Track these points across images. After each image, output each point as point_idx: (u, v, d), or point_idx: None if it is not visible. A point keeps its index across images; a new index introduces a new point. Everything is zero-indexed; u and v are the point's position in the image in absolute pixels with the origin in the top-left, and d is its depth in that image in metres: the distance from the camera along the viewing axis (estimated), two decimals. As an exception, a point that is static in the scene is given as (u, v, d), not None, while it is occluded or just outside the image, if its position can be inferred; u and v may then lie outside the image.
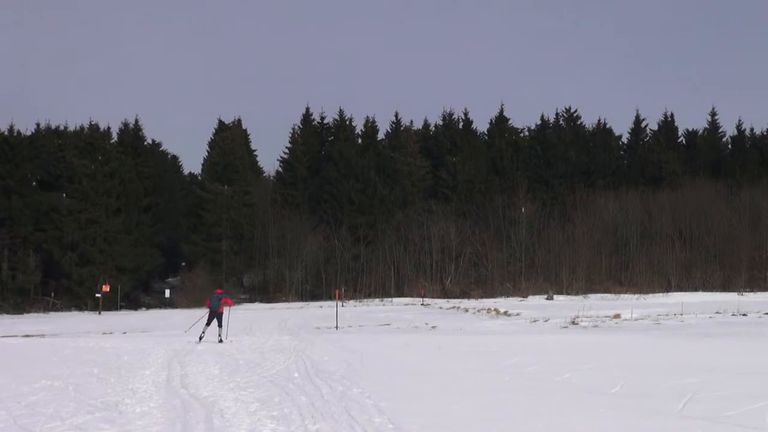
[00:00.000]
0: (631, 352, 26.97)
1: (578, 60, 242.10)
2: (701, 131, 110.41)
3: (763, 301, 63.57)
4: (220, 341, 34.35)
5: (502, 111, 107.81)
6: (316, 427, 14.19)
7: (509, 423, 14.44)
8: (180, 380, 21.04)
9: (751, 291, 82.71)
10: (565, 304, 69.02)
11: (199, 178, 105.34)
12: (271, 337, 37.30)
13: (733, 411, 15.24)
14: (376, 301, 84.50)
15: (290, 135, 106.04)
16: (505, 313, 57.55)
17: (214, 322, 35.81)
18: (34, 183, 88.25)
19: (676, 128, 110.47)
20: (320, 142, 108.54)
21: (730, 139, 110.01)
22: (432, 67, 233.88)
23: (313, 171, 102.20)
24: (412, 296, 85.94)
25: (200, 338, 34.98)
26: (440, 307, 69.45)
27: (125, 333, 44.42)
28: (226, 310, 36.51)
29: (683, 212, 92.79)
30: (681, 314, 49.70)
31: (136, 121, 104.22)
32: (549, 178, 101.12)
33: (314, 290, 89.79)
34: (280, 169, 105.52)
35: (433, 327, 44.80)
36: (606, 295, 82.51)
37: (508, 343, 31.63)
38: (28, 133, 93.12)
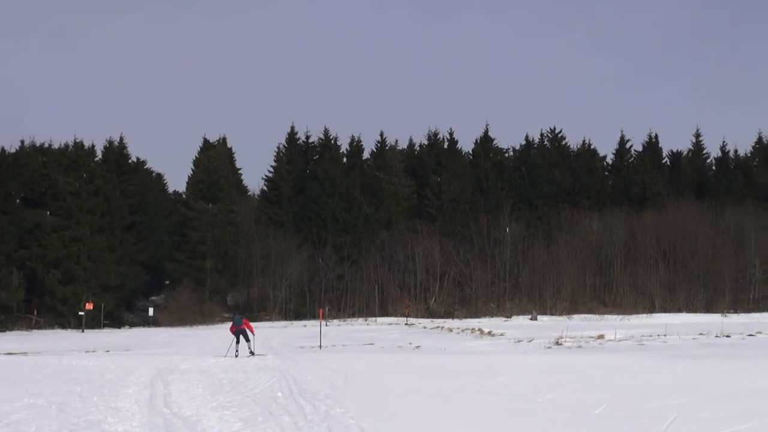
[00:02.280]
0: (614, 373, 26.99)
1: (563, 80, 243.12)
2: (685, 152, 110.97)
3: (746, 323, 63.75)
4: (252, 354, 37.33)
5: (487, 131, 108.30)
6: (299, 447, 14.16)
7: (493, 443, 14.43)
8: (163, 399, 20.96)
9: (735, 312, 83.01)
10: (548, 324, 69.10)
11: (184, 196, 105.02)
12: (255, 356, 37.22)
13: (716, 432, 15.26)
14: (360, 320, 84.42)
15: (275, 154, 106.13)
16: (489, 333, 57.55)
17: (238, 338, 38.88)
18: (17, 200, 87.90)
19: (661, 149, 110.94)
20: (305, 161, 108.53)
21: (714, 161, 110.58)
22: (417, 87, 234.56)
23: (297, 190, 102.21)
24: (396, 316, 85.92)
25: (236, 355, 37.48)
26: (424, 327, 69.43)
27: (108, 351, 44.24)
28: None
29: (667, 233, 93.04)
30: (664, 335, 49.79)
31: (121, 139, 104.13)
32: (533, 198, 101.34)
33: (298, 309, 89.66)
34: (264, 188, 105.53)
35: (417, 347, 44.75)
36: (590, 315, 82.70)
37: (492, 363, 31.62)
38: (13, 150, 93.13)
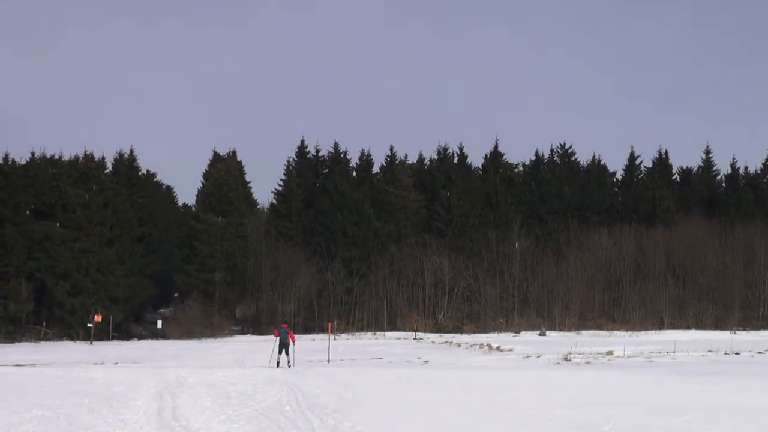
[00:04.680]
0: (623, 390, 26.95)
1: (573, 96, 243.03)
2: (695, 169, 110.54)
3: (755, 340, 63.57)
4: (289, 366, 39.91)
5: (497, 146, 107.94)
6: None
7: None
8: (171, 412, 20.97)
9: (744, 330, 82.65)
10: (557, 340, 69.02)
11: (193, 209, 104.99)
12: (263, 369, 37.23)
13: (725, 450, 15.23)
14: (369, 334, 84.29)
15: (285, 167, 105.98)
16: (498, 348, 57.50)
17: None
18: (27, 212, 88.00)
19: (671, 166, 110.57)
20: (315, 175, 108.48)
21: (724, 177, 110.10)
22: (427, 102, 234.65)
23: (307, 203, 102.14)
24: (404, 330, 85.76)
25: (278, 364, 40.44)
26: (433, 342, 69.37)
27: (117, 363, 44.30)
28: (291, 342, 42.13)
29: (677, 249, 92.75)
30: (673, 352, 49.69)
31: (131, 151, 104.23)
32: (543, 213, 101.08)
33: (307, 323, 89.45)
34: (274, 201, 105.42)
35: (425, 362, 44.74)
36: (598, 331, 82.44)
37: (501, 378, 31.59)
38: (23, 161, 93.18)
